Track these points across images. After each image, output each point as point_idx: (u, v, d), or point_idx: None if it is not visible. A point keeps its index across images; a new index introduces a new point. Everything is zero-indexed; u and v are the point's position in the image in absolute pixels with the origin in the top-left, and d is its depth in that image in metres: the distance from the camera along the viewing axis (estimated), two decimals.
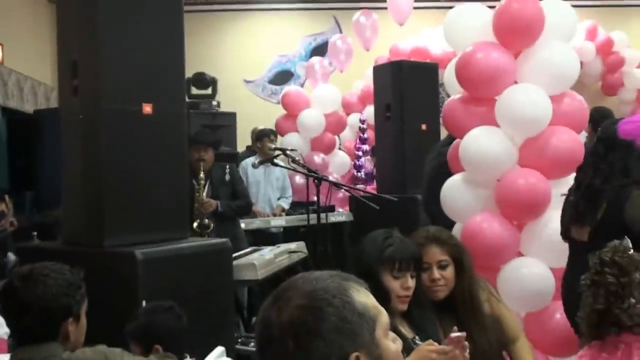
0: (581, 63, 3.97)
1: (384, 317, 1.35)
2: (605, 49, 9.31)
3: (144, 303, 2.94)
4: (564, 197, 3.47)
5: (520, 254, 3.80)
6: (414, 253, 2.56)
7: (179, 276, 3.25)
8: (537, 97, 3.74)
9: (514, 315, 3.22)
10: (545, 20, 3.82)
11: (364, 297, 1.33)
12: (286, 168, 5.61)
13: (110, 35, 3.25)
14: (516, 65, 3.88)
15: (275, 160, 5.12)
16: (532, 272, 3.69)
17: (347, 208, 7.11)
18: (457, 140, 3.99)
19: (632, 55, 9.43)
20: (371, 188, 7.37)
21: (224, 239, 3.62)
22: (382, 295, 2.36)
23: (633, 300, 2.62)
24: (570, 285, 3.18)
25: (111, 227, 3.24)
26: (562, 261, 3.77)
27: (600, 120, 5.76)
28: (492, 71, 3.81)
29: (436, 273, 2.76)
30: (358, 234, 6.56)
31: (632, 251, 2.65)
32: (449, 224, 3.98)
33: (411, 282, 2.51)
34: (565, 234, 3.45)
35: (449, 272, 2.79)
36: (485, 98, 3.90)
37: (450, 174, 4.06)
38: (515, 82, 3.87)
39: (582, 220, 3.30)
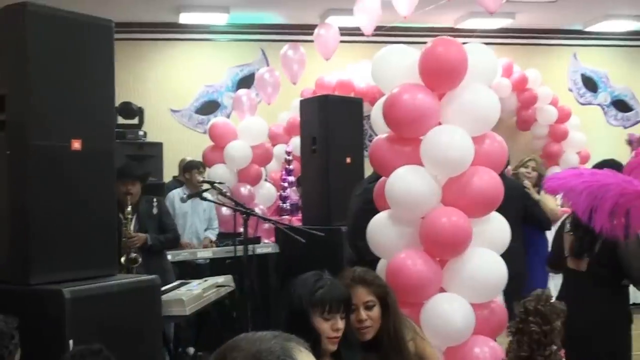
0: None
1: None
2: (520, 86, 9.69)
3: (71, 343, 2.90)
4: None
5: (442, 290, 3.92)
6: (344, 295, 2.63)
7: (108, 315, 3.20)
8: (460, 139, 3.86)
9: (436, 352, 3.32)
10: (469, 63, 3.96)
11: (306, 357, 1.34)
12: (215, 203, 5.63)
13: (40, 69, 3.22)
14: (440, 107, 4.01)
15: (204, 195, 5.13)
16: (453, 307, 3.79)
17: (273, 239, 7.15)
18: (383, 178, 4.08)
19: (544, 92, 9.84)
20: (296, 219, 7.44)
21: (153, 276, 3.57)
22: (313, 337, 2.43)
23: (555, 347, 2.77)
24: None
25: (37, 264, 3.18)
26: (482, 297, 3.92)
27: None
28: (418, 112, 3.89)
29: (363, 314, 2.83)
30: (284, 265, 6.62)
31: (553, 300, 2.80)
32: (375, 259, 4.07)
33: (341, 324, 2.58)
34: (557, 265, 4.38)
35: (375, 312, 2.87)
36: (411, 138, 4.01)
37: (376, 211, 4.14)
38: (440, 123, 4.00)
39: (581, 254, 4.05)
